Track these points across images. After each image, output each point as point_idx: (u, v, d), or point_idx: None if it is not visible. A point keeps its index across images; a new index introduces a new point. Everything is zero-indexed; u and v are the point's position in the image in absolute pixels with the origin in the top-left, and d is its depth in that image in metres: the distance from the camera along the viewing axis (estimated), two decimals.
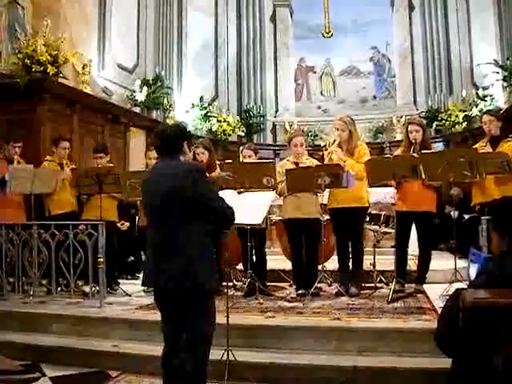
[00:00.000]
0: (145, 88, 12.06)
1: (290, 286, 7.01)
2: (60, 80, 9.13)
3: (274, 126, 16.38)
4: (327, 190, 6.39)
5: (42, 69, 8.66)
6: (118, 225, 7.91)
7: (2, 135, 8.08)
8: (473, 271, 5.79)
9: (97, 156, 7.37)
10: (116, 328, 5.61)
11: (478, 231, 6.01)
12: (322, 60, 16.55)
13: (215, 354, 4.16)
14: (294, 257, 6.78)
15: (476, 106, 13.28)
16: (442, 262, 7.27)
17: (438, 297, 5.92)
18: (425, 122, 10.40)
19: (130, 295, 6.85)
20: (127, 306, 6.24)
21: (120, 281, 7.48)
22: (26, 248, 6.57)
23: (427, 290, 6.43)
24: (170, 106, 13.09)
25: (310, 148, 10.09)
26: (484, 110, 9.98)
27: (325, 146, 12.83)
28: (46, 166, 7.33)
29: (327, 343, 4.97)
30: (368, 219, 7.37)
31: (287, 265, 7.34)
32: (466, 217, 10.15)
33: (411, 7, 15.55)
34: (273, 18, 16.63)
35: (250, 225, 6.07)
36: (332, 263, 7.11)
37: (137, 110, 12.04)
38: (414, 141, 6.27)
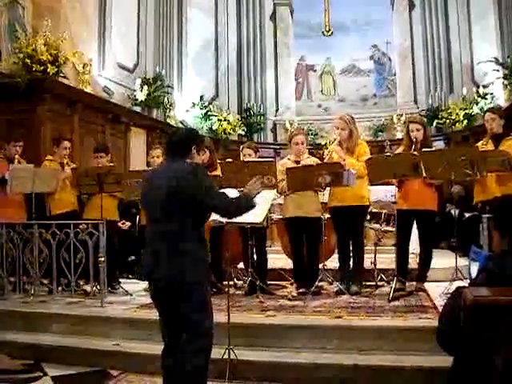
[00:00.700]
0: (145, 87, 12.06)
1: (291, 284, 7.01)
2: (60, 79, 9.13)
3: (275, 124, 16.39)
4: (328, 188, 6.40)
5: (42, 68, 8.66)
6: (119, 224, 7.91)
7: (3, 135, 8.08)
8: (474, 270, 5.80)
9: (97, 155, 7.37)
10: (117, 327, 5.61)
11: (478, 229, 6.01)
12: (323, 59, 16.54)
13: (216, 352, 4.15)
14: (294, 255, 6.78)
15: (476, 104, 13.29)
16: (442, 260, 7.27)
17: (439, 295, 5.93)
18: (425, 120, 10.39)
19: (130, 294, 6.85)
20: (128, 306, 6.24)
21: (121, 280, 7.47)
22: (27, 247, 6.56)
23: (428, 288, 6.43)
24: (170, 106, 13.09)
25: (310, 147, 10.07)
26: (485, 108, 9.99)
27: (325, 144, 12.89)
28: (46, 165, 7.33)
29: (328, 342, 4.97)
30: (369, 218, 7.38)
31: (288, 263, 7.35)
32: (467, 215, 10.16)
33: (411, 5, 15.55)
34: (273, 17, 16.62)
35: (250, 224, 6.06)
36: (333, 262, 7.11)
37: (137, 109, 12.04)
38: (414, 139, 6.26)
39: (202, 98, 14.59)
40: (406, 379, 4.46)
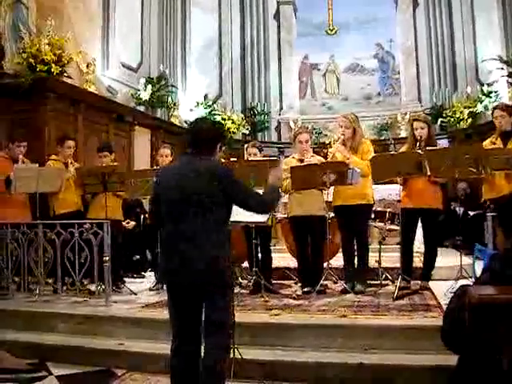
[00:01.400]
0: (149, 87, 12.06)
1: (296, 283, 7.01)
2: (64, 79, 9.14)
3: (279, 123, 16.38)
4: (332, 187, 6.39)
5: (46, 68, 8.66)
6: (124, 223, 7.92)
7: (7, 134, 8.10)
8: (478, 268, 5.79)
9: (101, 155, 7.39)
10: (122, 326, 5.61)
11: (483, 228, 6.00)
12: (326, 57, 16.51)
13: None
14: (299, 254, 6.78)
15: (481, 103, 13.28)
16: (447, 258, 7.26)
17: (443, 294, 5.91)
18: (429, 118, 10.37)
19: (135, 294, 6.85)
20: (133, 305, 6.24)
21: (126, 279, 7.48)
22: (32, 247, 6.57)
23: (433, 286, 6.42)
24: (174, 105, 13.10)
25: (314, 145, 10.09)
26: (490, 107, 9.95)
27: (329, 143, 12.88)
28: (50, 165, 7.34)
29: (333, 341, 4.96)
30: (373, 216, 7.37)
31: (293, 262, 7.34)
32: (472, 213, 10.16)
33: (415, 3, 15.52)
34: (276, 16, 16.61)
35: (255, 223, 6.08)
36: (337, 261, 7.10)
37: (141, 108, 12.04)
38: (419, 137, 6.25)
39: (205, 97, 14.59)
40: (411, 377, 4.46)
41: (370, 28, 15.79)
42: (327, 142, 14.15)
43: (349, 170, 6.03)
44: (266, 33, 16.46)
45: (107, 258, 6.16)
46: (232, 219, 4.00)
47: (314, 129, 15.32)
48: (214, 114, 14.32)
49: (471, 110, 13.51)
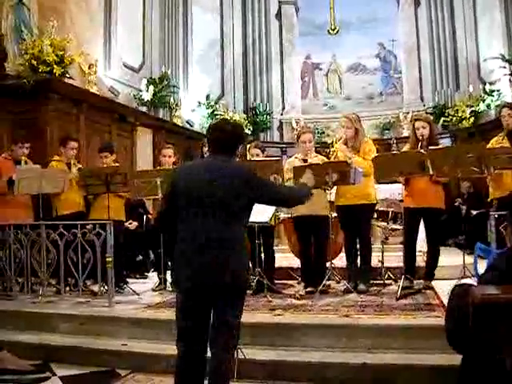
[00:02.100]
0: (151, 87, 12.07)
1: (299, 283, 7.00)
2: (66, 80, 9.14)
3: (281, 123, 16.40)
4: (334, 187, 6.39)
5: (48, 69, 8.67)
6: (126, 224, 7.92)
7: (9, 135, 8.11)
8: (480, 267, 5.78)
9: (102, 155, 7.39)
10: (125, 327, 5.61)
11: (486, 227, 5.99)
12: (328, 57, 16.54)
13: None
14: (302, 254, 6.78)
15: (483, 102, 13.27)
16: (450, 257, 7.26)
17: (446, 293, 5.88)
18: (432, 117, 10.37)
19: (138, 294, 6.85)
20: (136, 305, 6.24)
21: (128, 280, 7.48)
22: (35, 248, 6.58)
23: (436, 286, 6.41)
24: (176, 105, 13.11)
25: (316, 145, 10.07)
26: (503, 103, 9.92)
27: (331, 143, 12.88)
28: (53, 165, 7.34)
29: (336, 341, 4.96)
30: (376, 216, 7.37)
31: (295, 262, 7.34)
32: (474, 212, 10.15)
33: (417, 3, 15.51)
34: (278, 16, 16.64)
35: (258, 223, 6.08)
36: (340, 260, 7.10)
37: (143, 109, 12.05)
38: (421, 137, 6.24)
39: (208, 97, 14.60)
40: (414, 377, 4.45)
41: (372, 27, 15.81)
42: (329, 141, 14.15)
43: (351, 170, 6.02)
44: (268, 33, 16.48)
45: (110, 259, 6.16)
46: None
47: (316, 128, 15.31)
48: (216, 114, 14.33)
49: (473, 108, 13.51)
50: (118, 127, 10.85)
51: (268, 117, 16.11)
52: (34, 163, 7.27)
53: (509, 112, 6.36)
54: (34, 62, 8.61)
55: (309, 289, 6.46)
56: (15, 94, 8.46)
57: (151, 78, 12.33)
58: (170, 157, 7.30)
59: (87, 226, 6.41)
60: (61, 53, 8.80)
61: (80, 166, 7.51)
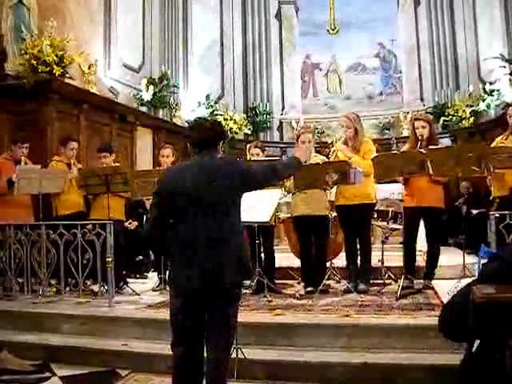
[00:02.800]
0: (151, 87, 12.07)
1: (299, 283, 7.00)
2: (66, 80, 9.13)
3: (281, 123, 16.40)
4: (334, 186, 6.39)
5: (48, 69, 8.66)
6: (126, 224, 7.92)
7: (10, 136, 8.11)
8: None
9: (100, 156, 7.39)
10: (125, 327, 5.61)
11: (486, 227, 5.98)
12: (328, 57, 16.52)
13: None
14: (302, 254, 6.78)
15: (483, 101, 13.26)
16: (450, 257, 7.26)
17: (446, 293, 5.89)
18: (431, 117, 10.36)
19: (138, 294, 6.85)
20: (136, 305, 6.25)
21: (128, 280, 7.48)
22: (35, 248, 6.58)
23: (436, 285, 6.41)
24: (176, 105, 13.12)
25: (316, 145, 10.07)
26: (492, 105, 9.95)
27: (331, 142, 12.88)
28: (53, 166, 7.35)
29: (336, 340, 4.96)
30: (376, 216, 7.37)
31: (295, 262, 7.34)
32: (475, 212, 10.15)
33: (417, 3, 15.51)
34: (278, 16, 16.62)
35: (258, 222, 6.08)
36: (340, 260, 7.10)
37: (143, 109, 12.05)
38: (420, 137, 6.24)
39: (207, 97, 14.59)
40: (414, 377, 4.45)
41: (372, 27, 15.79)
42: (329, 141, 14.15)
43: (351, 170, 6.02)
44: (268, 32, 16.47)
45: (110, 259, 6.16)
46: None
47: (316, 128, 15.31)
48: (216, 114, 14.33)
49: (473, 108, 13.51)
50: (118, 127, 10.84)
51: (268, 117, 16.10)
52: (34, 163, 7.27)
53: None
54: (34, 62, 8.60)
55: (309, 288, 6.47)
56: (15, 95, 8.46)
57: (151, 77, 12.32)
58: (168, 157, 7.30)
59: (87, 226, 6.41)
60: (61, 53, 8.79)
61: (80, 166, 7.51)
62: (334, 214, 6.70)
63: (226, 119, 14.67)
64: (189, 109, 13.94)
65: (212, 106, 14.48)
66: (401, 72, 15.97)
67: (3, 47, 8.69)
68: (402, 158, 6.14)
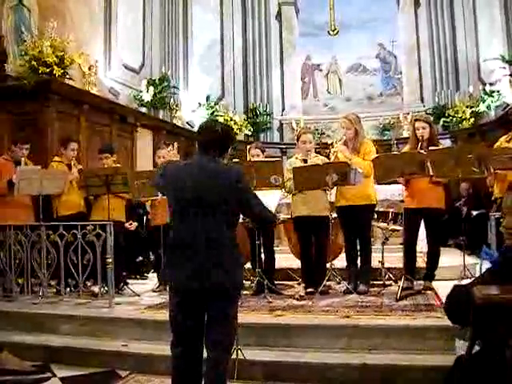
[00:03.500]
0: (151, 88, 12.08)
1: (299, 284, 6.99)
2: (67, 81, 9.14)
3: (281, 124, 16.41)
4: (334, 188, 6.40)
5: (48, 70, 8.67)
6: (126, 225, 7.92)
7: (10, 137, 8.10)
8: (483, 270, 5.77)
9: (102, 156, 7.39)
10: (125, 328, 5.61)
11: (486, 227, 5.98)
12: (328, 58, 16.54)
13: None
14: (302, 255, 6.77)
15: (483, 102, 13.28)
16: (450, 258, 7.26)
17: (446, 294, 5.89)
18: (432, 118, 10.37)
19: (138, 295, 6.85)
20: (136, 306, 6.25)
21: (128, 281, 7.48)
22: (35, 249, 6.57)
23: (436, 287, 6.40)
24: (176, 106, 13.12)
25: (316, 146, 10.08)
26: (492, 106, 9.95)
27: (331, 143, 12.88)
28: (54, 166, 7.34)
29: (336, 341, 4.96)
30: (376, 217, 7.37)
31: (295, 263, 7.34)
32: (475, 213, 10.16)
33: (417, 3, 15.52)
34: (278, 17, 16.64)
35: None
36: (340, 261, 7.10)
37: (143, 110, 12.07)
38: (421, 138, 6.25)
39: (208, 98, 14.60)
40: (414, 378, 4.45)
41: (372, 28, 15.81)
42: (329, 142, 14.14)
43: (351, 171, 6.03)
44: (268, 33, 16.49)
45: (110, 260, 6.16)
46: None
47: (317, 129, 15.32)
48: (216, 115, 14.33)
49: (474, 109, 13.53)
50: (118, 128, 10.85)
51: (268, 117, 16.12)
52: (35, 164, 7.26)
53: None
54: (34, 63, 8.61)
55: (309, 289, 6.46)
56: (15, 95, 8.47)
57: (151, 78, 12.34)
58: (164, 157, 7.30)
59: (87, 227, 6.41)
60: (61, 54, 8.80)
61: (80, 166, 7.50)
62: (334, 214, 6.69)
63: (227, 120, 14.65)
64: (189, 110, 13.95)
65: (212, 107, 14.49)
66: (401, 73, 15.99)
67: (3, 48, 8.70)
68: (403, 159, 6.15)
